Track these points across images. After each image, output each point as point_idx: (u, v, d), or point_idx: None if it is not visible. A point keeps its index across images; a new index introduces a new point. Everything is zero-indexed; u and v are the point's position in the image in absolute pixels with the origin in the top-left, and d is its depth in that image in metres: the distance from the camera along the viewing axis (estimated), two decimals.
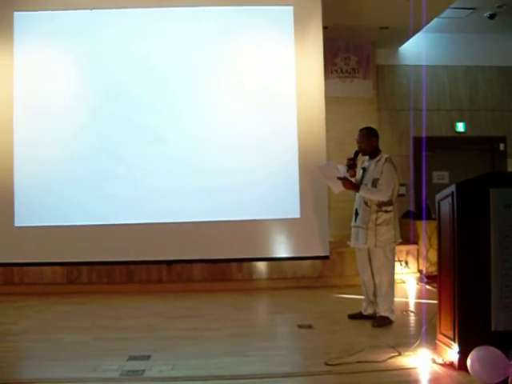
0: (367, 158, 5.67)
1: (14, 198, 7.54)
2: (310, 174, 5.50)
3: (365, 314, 5.68)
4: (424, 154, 8.71)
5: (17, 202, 7.56)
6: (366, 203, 5.47)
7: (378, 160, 5.49)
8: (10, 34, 7.63)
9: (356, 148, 5.64)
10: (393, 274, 5.54)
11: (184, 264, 7.66)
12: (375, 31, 8.92)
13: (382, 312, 5.45)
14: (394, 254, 5.59)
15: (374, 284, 5.56)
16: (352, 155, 5.60)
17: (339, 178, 5.46)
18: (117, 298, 7.14)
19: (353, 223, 5.66)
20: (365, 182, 5.52)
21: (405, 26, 8.53)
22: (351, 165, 5.57)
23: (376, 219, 5.40)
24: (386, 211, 5.40)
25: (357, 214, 5.60)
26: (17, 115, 7.62)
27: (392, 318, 5.47)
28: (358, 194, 5.56)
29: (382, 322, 5.40)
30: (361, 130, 5.68)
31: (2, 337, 5.37)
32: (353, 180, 5.59)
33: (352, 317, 5.73)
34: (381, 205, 5.40)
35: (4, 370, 4.44)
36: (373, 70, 9.65)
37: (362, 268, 5.68)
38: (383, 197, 5.36)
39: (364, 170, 5.62)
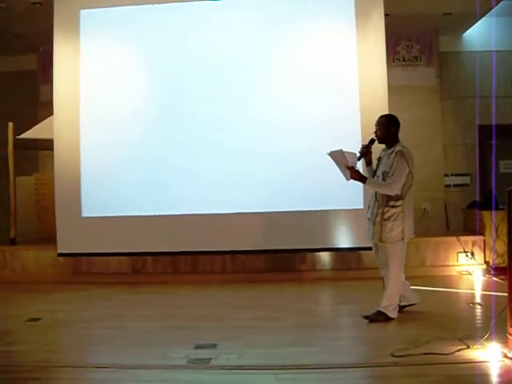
0: (384, 147, 5.46)
1: (80, 189, 7.79)
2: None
3: (401, 304, 5.49)
4: (494, 142, 8.42)
5: (83, 193, 7.80)
6: (376, 196, 5.33)
7: (391, 152, 5.28)
8: (77, 31, 7.86)
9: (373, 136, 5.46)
10: (399, 271, 5.32)
11: (248, 254, 7.72)
12: (438, 17, 8.70)
13: (381, 307, 5.27)
14: (402, 251, 5.33)
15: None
16: (367, 143, 5.45)
17: (347, 167, 5.27)
18: (181, 288, 7.28)
19: (366, 215, 5.55)
20: (378, 173, 5.37)
21: (470, 11, 8.30)
22: (365, 153, 5.39)
23: (383, 214, 5.22)
24: (394, 206, 5.20)
25: (369, 206, 5.47)
26: (83, 108, 7.86)
27: (391, 315, 5.25)
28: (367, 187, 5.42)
29: (377, 318, 5.24)
30: (380, 117, 5.47)
31: (74, 323, 5.60)
32: (368, 169, 5.47)
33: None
34: (388, 199, 5.21)
35: (76, 353, 4.69)
36: (436, 57, 9.46)
37: (378, 262, 5.56)
38: (390, 191, 5.17)
39: (379, 160, 5.45)
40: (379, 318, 5.26)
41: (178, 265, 7.88)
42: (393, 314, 5.29)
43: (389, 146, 5.38)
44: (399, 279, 5.33)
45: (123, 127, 7.80)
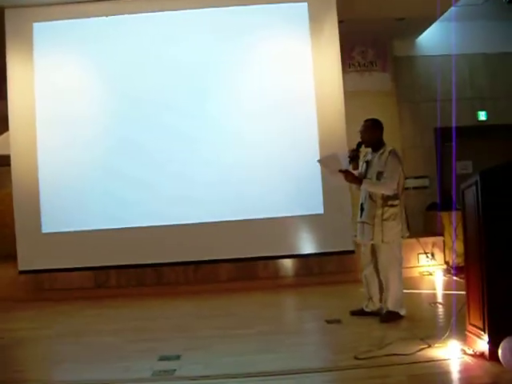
0: (370, 150, 5.49)
1: (40, 205, 7.68)
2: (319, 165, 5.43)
3: (367, 310, 5.54)
4: (454, 144, 8.52)
5: (43, 209, 7.69)
6: (371, 198, 5.31)
7: (382, 153, 5.31)
8: (30, 44, 7.77)
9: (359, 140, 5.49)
10: (400, 268, 5.35)
11: (210, 264, 7.69)
12: (392, 23, 8.85)
13: (390, 307, 5.30)
14: (401, 249, 5.39)
15: (379, 280, 5.41)
16: (354, 146, 5.46)
17: (341, 171, 5.30)
18: (145, 300, 7.20)
19: (358, 218, 5.50)
20: (369, 175, 5.36)
21: (421, 16, 8.49)
22: (354, 157, 5.42)
23: (382, 214, 5.23)
24: (392, 205, 5.23)
25: (362, 209, 5.43)
26: (39, 122, 7.76)
27: (402, 312, 5.31)
28: (362, 189, 5.39)
29: (390, 318, 5.26)
30: (365, 121, 5.50)
31: (37, 341, 5.47)
32: (355, 173, 5.43)
33: (354, 313, 5.59)
34: (387, 199, 5.23)
35: (39, 372, 4.57)
36: (391, 62, 9.61)
37: (366, 264, 5.52)
38: (387, 190, 5.20)
39: (367, 163, 5.45)
40: (393, 317, 5.26)
41: (141, 277, 7.78)
42: (402, 311, 5.32)
43: (375, 149, 5.41)
44: (400, 276, 5.34)
45: (81, 141, 7.73)
